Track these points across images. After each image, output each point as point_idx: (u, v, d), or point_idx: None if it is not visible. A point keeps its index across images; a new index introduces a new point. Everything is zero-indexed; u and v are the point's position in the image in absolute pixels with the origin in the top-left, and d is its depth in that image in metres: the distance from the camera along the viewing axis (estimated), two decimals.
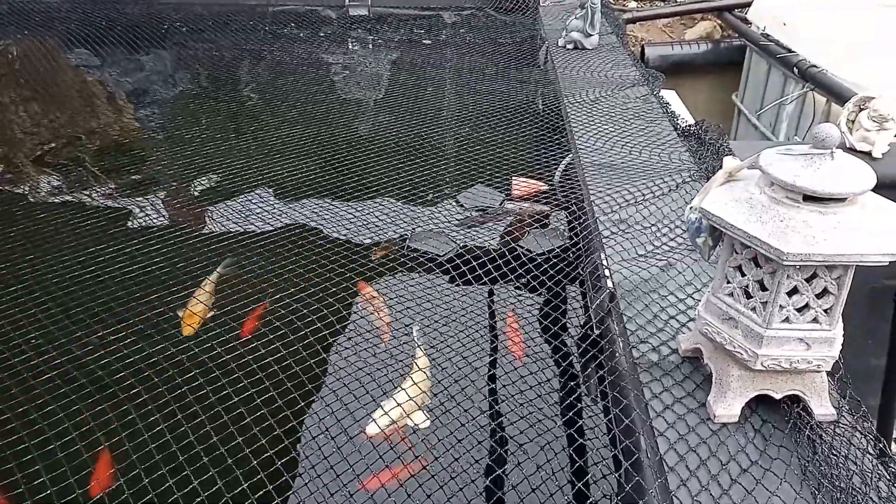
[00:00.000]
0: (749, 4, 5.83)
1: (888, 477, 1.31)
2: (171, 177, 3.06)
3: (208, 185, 2.95)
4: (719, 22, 6.80)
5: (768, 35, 5.19)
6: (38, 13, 5.34)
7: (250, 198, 2.79)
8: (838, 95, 4.02)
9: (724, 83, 6.10)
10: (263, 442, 1.54)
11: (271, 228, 2.52)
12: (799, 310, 1.30)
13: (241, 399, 1.66)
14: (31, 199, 2.88)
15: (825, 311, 1.30)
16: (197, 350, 1.86)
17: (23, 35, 5.02)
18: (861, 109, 2.90)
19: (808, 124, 4.60)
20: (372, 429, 1.62)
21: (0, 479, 1.46)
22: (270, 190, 2.84)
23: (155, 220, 2.66)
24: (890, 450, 1.42)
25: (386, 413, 1.66)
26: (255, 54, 4.92)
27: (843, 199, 1.20)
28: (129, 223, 2.64)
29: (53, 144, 3.52)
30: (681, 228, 2.16)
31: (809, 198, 1.21)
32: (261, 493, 1.42)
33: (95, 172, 3.14)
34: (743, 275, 1.34)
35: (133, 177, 3.08)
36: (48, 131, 3.70)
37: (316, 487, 1.45)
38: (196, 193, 2.90)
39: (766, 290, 1.30)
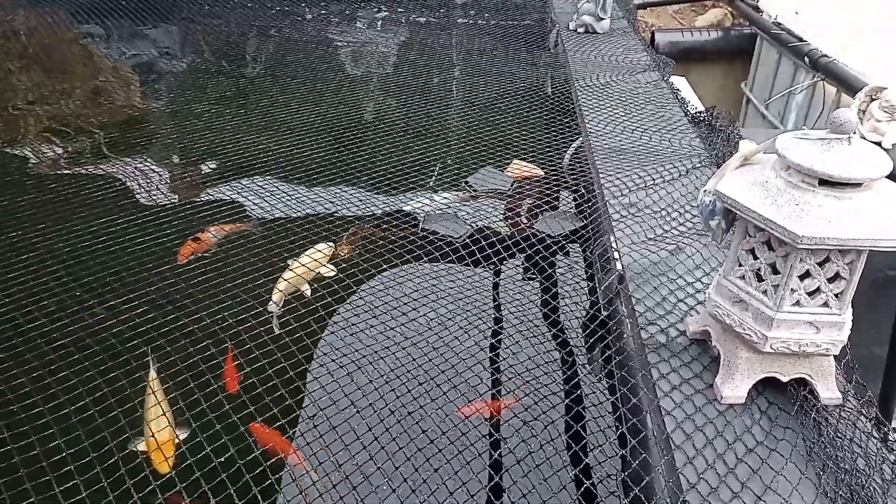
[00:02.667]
0: None
1: (892, 460, 1.33)
2: (179, 151, 3.07)
3: (215, 161, 2.95)
4: (730, 9, 6.75)
5: (780, 23, 5.16)
6: None
7: (258, 174, 2.79)
8: (849, 86, 4.01)
9: (734, 71, 6.07)
10: (276, 411, 1.56)
11: (280, 205, 2.52)
12: (810, 294, 1.31)
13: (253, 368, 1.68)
14: (42, 170, 2.89)
15: (836, 295, 1.31)
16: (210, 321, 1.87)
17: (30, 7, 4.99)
18: (872, 100, 2.90)
19: (818, 115, 4.59)
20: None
21: (16, 442, 1.48)
22: (280, 167, 2.85)
23: (164, 194, 2.66)
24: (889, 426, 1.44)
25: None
26: (263, 32, 4.89)
27: (858, 185, 1.21)
28: (138, 196, 2.65)
29: (62, 116, 3.52)
30: (690, 213, 2.17)
31: (825, 182, 1.22)
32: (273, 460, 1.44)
33: (106, 145, 3.14)
34: (755, 258, 1.35)
35: (139, 150, 3.08)
36: (56, 104, 3.69)
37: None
38: (204, 168, 2.90)
39: (778, 273, 1.31)
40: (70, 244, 2.23)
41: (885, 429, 1.39)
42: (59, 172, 2.88)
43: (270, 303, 2.06)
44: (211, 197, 2.64)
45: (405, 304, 2.00)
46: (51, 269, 2.08)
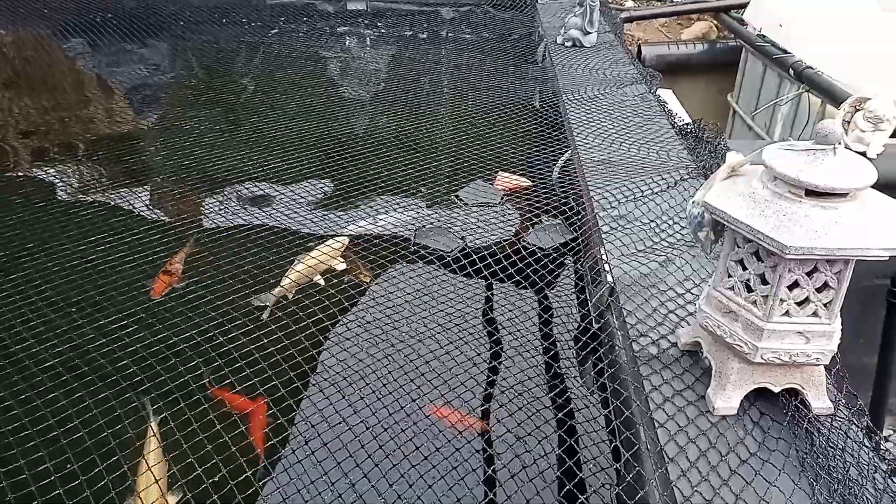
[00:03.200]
0: (745, 5, 5.86)
1: (884, 469, 1.33)
2: (168, 169, 3.06)
3: (205, 178, 2.95)
4: (715, 22, 6.83)
5: (764, 36, 5.22)
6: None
7: (247, 190, 2.79)
8: (834, 96, 4.05)
9: (720, 84, 6.13)
10: (267, 431, 1.55)
11: (268, 220, 2.52)
12: (799, 304, 1.32)
13: (245, 387, 1.67)
14: (30, 189, 2.87)
15: (825, 304, 1.32)
16: (199, 339, 1.86)
17: (15, 25, 5.00)
18: (856, 110, 2.94)
19: (803, 125, 4.63)
20: None
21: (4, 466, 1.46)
22: (269, 183, 2.84)
23: (153, 212, 2.66)
24: (880, 435, 1.44)
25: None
26: (252, 48, 4.91)
27: (844, 195, 1.22)
28: (128, 215, 2.64)
29: (50, 135, 3.51)
30: (679, 224, 2.18)
31: (811, 192, 1.23)
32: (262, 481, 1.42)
33: (93, 164, 3.13)
34: (744, 269, 1.35)
35: (129, 168, 3.07)
36: (45, 122, 3.68)
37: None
38: (193, 185, 2.90)
39: (767, 283, 1.32)
40: (58, 264, 2.21)
41: (877, 437, 1.40)
42: (48, 192, 2.86)
43: (278, 289, 2.17)
44: (202, 213, 2.63)
45: (393, 318, 1.99)
46: (40, 289, 2.06)
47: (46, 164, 3.14)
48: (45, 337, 1.85)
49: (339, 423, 1.59)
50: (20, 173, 3.08)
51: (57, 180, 2.96)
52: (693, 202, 1.42)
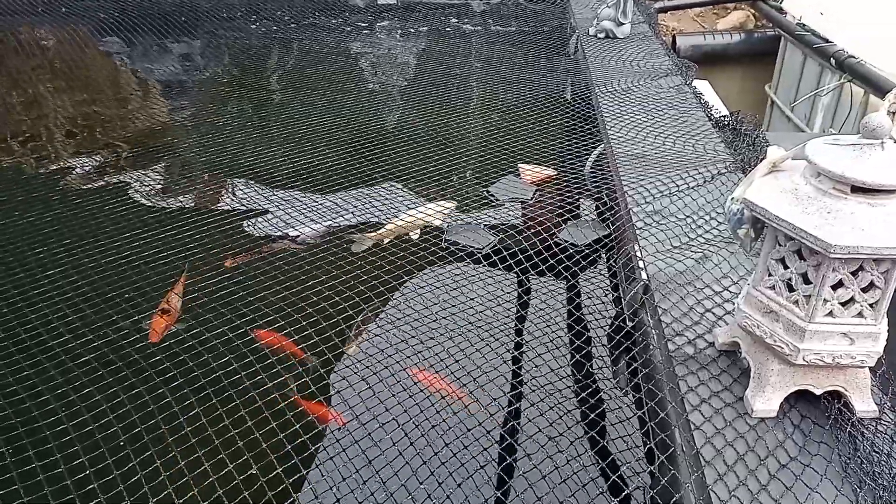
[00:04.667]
0: None
1: None
2: (201, 165, 3.09)
3: (237, 174, 2.97)
4: (753, 11, 6.68)
5: (804, 24, 5.08)
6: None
7: (279, 187, 2.80)
8: (877, 87, 3.93)
9: (757, 74, 5.99)
10: (297, 427, 1.55)
11: (302, 217, 2.52)
12: (843, 304, 1.27)
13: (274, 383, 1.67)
14: (67, 185, 2.93)
15: (871, 305, 1.27)
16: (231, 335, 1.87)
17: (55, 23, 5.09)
18: None
19: (845, 116, 4.50)
20: None
21: (41, 460, 1.48)
22: (300, 178, 2.85)
23: (186, 207, 2.68)
24: None
25: None
26: (283, 43, 4.93)
27: (893, 191, 1.17)
28: (161, 211, 2.67)
29: (86, 132, 3.57)
30: (716, 220, 2.13)
31: (857, 189, 1.18)
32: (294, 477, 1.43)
33: (127, 159, 3.18)
34: (786, 267, 1.31)
35: (163, 164, 3.11)
36: (81, 118, 3.75)
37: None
38: (226, 181, 2.92)
39: (810, 283, 1.27)
40: (95, 260, 2.25)
41: None
42: (83, 188, 2.91)
43: (376, 234, 2.37)
44: (234, 209, 2.65)
45: (424, 315, 1.98)
46: (76, 284, 2.10)
47: (83, 161, 3.19)
48: (80, 332, 1.88)
49: (371, 419, 1.59)
50: (56, 169, 3.13)
51: (93, 177, 3.01)
52: (732, 199, 1.38)
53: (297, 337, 1.87)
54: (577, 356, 1.82)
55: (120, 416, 1.58)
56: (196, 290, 2.12)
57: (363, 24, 5.28)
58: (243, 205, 2.66)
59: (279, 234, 2.43)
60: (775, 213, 1.23)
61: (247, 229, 2.47)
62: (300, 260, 2.24)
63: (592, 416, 1.62)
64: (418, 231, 2.43)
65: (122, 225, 2.47)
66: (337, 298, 2.01)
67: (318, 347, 1.81)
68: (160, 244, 2.33)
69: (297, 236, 2.41)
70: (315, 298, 2.01)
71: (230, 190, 2.82)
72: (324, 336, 1.85)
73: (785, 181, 1.28)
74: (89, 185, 2.92)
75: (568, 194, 2.61)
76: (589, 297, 2.03)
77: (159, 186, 2.85)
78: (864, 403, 1.39)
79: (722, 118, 2.93)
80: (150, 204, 2.71)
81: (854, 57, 4.32)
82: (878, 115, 1.18)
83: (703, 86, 3.57)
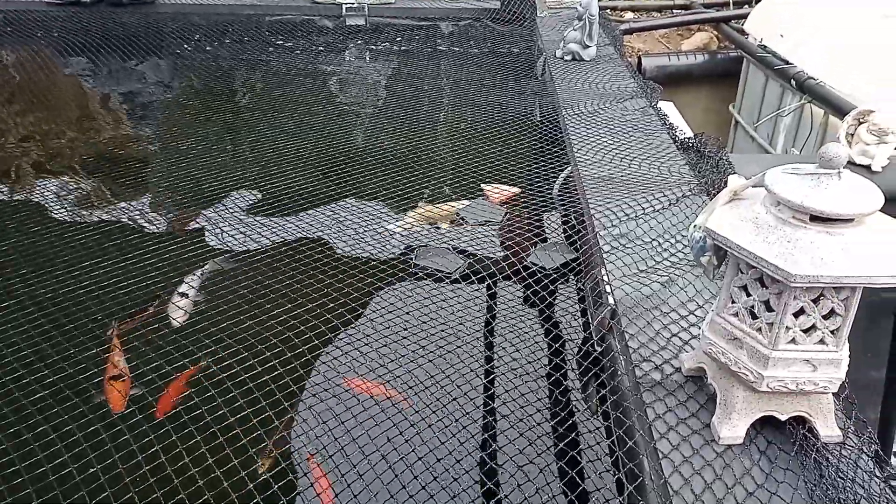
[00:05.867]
0: (746, 16, 5.85)
1: (895, 501, 1.29)
2: (166, 189, 3.04)
3: (204, 197, 2.92)
4: (716, 33, 6.82)
5: (765, 46, 5.20)
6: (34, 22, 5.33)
7: (246, 209, 2.76)
8: (837, 108, 4.03)
9: (722, 94, 6.11)
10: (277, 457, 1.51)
11: (267, 240, 2.49)
12: (805, 331, 1.28)
13: (238, 417, 1.63)
14: (25, 212, 2.85)
15: (832, 332, 1.28)
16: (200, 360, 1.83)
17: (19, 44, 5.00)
18: (860, 123, 2.90)
19: (806, 136, 4.60)
20: None
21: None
22: (266, 201, 2.82)
23: (151, 233, 2.63)
24: (891, 463, 1.40)
25: None
26: (251, 64, 4.90)
27: (850, 220, 1.18)
28: (125, 236, 2.61)
29: (49, 154, 3.49)
30: (682, 243, 2.15)
31: (816, 218, 1.19)
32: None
33: (91, 184, 3.11)
34: (748, 295, 1.32)
35: (128, 188, 3.05)
36: (44, 141, 3.67)
37: None
38: (192, 205, 2.87)
39: (772, 310, 1.28)
40: (52, 290, 2.19)
41: (888, 468, 1.35)
42: (44, 214, 2.84)
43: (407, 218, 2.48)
44: (199, 234, 2.61)
45: (390, 339, 1.96)
46: (31, 315, 2.04)
47: (44, 185, 3.12)
48: (47, 354, 1.83)
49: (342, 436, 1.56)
50: (13, 194, 3.06)
51: (55, 202, 2.94)
52: (695, 226, 1.39)
53: (260, 369, 1.83)
54: (545, 383, 1.81)
55: (76, 456, 1.53)
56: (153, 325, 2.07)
57: (332, 45, 5.28)
58: (207, 230, 2.62)
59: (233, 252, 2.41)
60: (737, 243, 1.23)
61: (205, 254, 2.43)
62: (259, 284, 2.20)
63: (561, 445, 1.61)
64: (446, 223, 2.53)
65: (81, 254, 2.41)
66: (299, 324, 1.97)
67: (282, 378, 1.77)
68: (121, 273, 2.28)
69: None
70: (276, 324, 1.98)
71: (192, 216, 2.78)
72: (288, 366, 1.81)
73: (745, 210, 1.29)
74: (51, 212, 2.85)
75: (536, 217, 2.62)
76: (556, 324, 2.03)
77: (121, 212, 2.79)
78: (828, 428, 1.40)
79: (686, 140, 2.97)
80: (110, 230, 2.65)
81: (813, 78, 4.42)
82: (834, 146, 1.19)
83: (667, 107, 3.62)
